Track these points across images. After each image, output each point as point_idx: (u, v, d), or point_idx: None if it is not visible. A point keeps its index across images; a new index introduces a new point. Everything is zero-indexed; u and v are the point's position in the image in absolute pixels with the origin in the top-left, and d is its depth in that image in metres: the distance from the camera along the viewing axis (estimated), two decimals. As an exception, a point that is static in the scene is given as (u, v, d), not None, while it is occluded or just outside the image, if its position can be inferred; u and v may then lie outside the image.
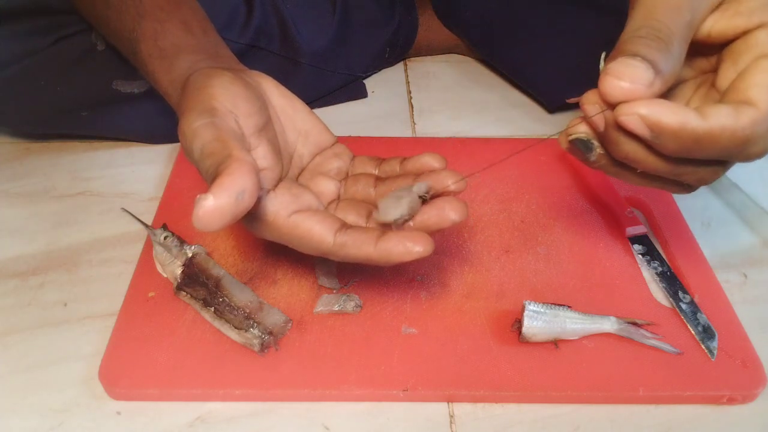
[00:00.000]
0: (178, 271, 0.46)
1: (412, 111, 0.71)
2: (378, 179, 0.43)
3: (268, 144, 0.39)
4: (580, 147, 0.36)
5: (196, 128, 0.35)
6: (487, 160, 0.60)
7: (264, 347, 0.43)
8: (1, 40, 0.56)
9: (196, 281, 0.45)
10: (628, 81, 0.31)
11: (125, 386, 0.41)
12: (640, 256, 0.51)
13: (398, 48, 0.76)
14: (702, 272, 0.50)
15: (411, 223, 0.38)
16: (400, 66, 0.78)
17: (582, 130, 0.36)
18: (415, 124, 0.69)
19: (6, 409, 0.41)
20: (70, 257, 0.52)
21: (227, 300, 0.44)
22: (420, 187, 0.38)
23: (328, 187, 0.43)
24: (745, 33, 0.35)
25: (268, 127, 0.40)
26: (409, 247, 0.36)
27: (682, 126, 0.31)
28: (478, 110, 0.71)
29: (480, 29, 0.74)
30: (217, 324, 0.44)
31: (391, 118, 0.69)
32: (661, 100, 0.31)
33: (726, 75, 0.35)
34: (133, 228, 0.54)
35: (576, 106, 0.73)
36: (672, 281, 0.48)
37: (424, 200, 0.39)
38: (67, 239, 0.53)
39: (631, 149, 0.34)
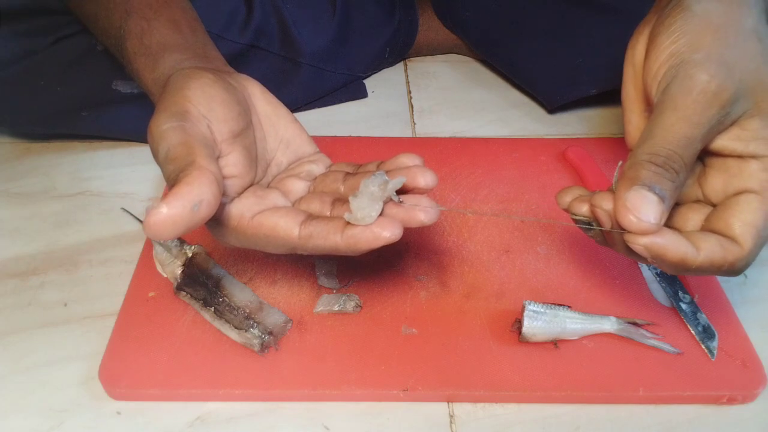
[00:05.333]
0: (178, 271, 0.46)
1: (412, 111, 0.71)
2: (347, 174, 0.41)
3: (242, 151, 0.38)
4: (579, 225, 0.39)
5: (164, 130, 0.34)
6: (487, 160, 0.60)
7: (264, 347, 0.43)
8: (1, 40, 0.56)
9: (196, 281, 0.45)
10: (643, 217, 0.34)
11: (125, 386, 0.41)
12: (640, 256, 0.51)
13: (398, 48, 0.76)
14: (702, 272, 0.50)
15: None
16: (400, 66, 0.78)
17: (584, 212, 0.38)
18: (415, 124, 0.69)
19: (6, 409, 0.41)
20: (70, 257, 0.52)
21: (227, 300, 0.44)
22: (396, 183, 0.36)
23: (296, 186, 0.41)
24: (739, 157, 0.37)
25: (245, 132, 0.39)
26: (376, 233, 0.34)
27: (682, 260, 0.35)
28: (478, 110, 0.71)
29: (480, 29, 0.74)
30: (217, 324, 0.44)
31: (391, 118, 0.69)
32: (665, 231, 0.35)
33: (713, 184, 0.38)
34: (133, 228, 0.54)
35: (573, 105, 0.73)
36: (672, 281, 0.48)
37: (398, 194, 0.37)
38: (67, 239, 0.53)
39: (629, 251, 0.36)
